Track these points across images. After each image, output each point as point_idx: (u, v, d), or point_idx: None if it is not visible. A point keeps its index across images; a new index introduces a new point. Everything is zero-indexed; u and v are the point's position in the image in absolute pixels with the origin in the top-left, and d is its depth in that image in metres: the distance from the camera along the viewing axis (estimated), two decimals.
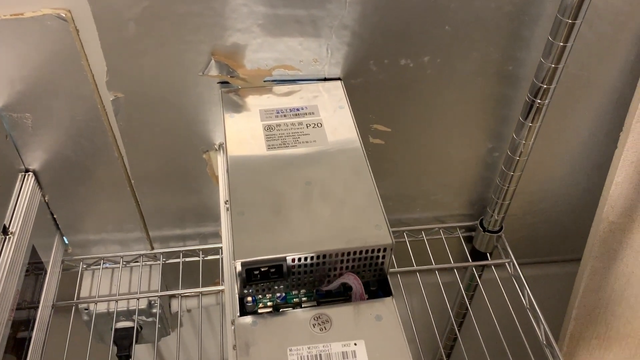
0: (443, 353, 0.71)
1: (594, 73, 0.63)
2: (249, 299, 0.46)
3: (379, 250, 0.45)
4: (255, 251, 0.43)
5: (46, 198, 0.65)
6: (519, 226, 0.80)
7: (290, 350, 0.42)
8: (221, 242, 0.74)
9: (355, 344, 0.42)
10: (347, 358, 0.41)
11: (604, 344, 0.78)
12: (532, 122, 0.61)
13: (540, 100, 0.59)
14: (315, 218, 0.46)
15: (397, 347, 0.42)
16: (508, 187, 0.68)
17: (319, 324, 0.43)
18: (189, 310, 0.83)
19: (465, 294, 0.79)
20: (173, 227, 0.71)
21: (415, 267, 0.71)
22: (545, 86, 0.58)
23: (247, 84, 0.58)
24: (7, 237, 0.56)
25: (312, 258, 0.44)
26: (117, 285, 0.70)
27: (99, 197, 0.66)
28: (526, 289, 0.69)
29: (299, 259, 0.44)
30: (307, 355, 0.41)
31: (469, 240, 0.78)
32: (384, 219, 0.46)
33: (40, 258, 0.63)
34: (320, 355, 0.41)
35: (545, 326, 0.65)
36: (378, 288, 0.47)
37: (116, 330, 0.70)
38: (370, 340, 0.42)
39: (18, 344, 0.58)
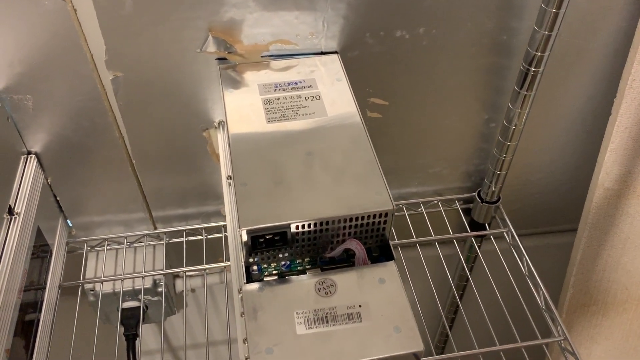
0: (446, 323, 0.72)
1: (587, 40, 0.64)
2: (255, 267, 0.47)
3: (380, 216, 0.46)
4: (260, 219, 0.44)
5: (49, 180, 0.66)
6: (516, 197, 0.81)
7: (297, 313, 0.43)
8: (223, 221, 0.75)
9: (359, 306, 0.43)
10: (353, 319, 0.42)
11: (601, 310, 0.79)
12: (527, 91, 0.62)
13: (534, 68, 0.60)
14: (317, 187, 0.47)
15: (400, 307, 0.43)
16: (505, 157, 0.69)
17: (323, 288, 0.44)
18: (193, 290, 0.84)
19: (465, 265, 0.80)
20: (175, 206, 0.72)
21: (415, 239, 0.72)
22: (539, 54, 0.59)
23: (244, 60, 0.58)
24: (13, 217, 0.57)
25: (315, 225, 0.45)
26: (121, 265, 0.71)
27: (101, 179, 0.67)
28: (525, 256, 0.70)
29: (303, 226, 0.45)
30: (314, 318, 0.42)
31: (467, 212, 0.79)
32: (385, 185, 0.47)
33: (45, 240, 0.64)
34: (326, 317, 0.43)
35: (544, 292, 0.66)
36: (380, 254, 0.48)
37: (123, 310, 0.71)
38: (374, 302, 0.43)
39: (26, 327, 0.59)
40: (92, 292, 0.71)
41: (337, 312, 0.43)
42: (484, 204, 0.75)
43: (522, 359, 0.63)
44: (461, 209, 0.78)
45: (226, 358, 0.93)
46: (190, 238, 0.74)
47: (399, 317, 0.43)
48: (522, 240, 0.72)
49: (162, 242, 0.74)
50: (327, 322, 0.42)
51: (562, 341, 0.63)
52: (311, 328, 0.42)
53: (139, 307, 0.72)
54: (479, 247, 0.79)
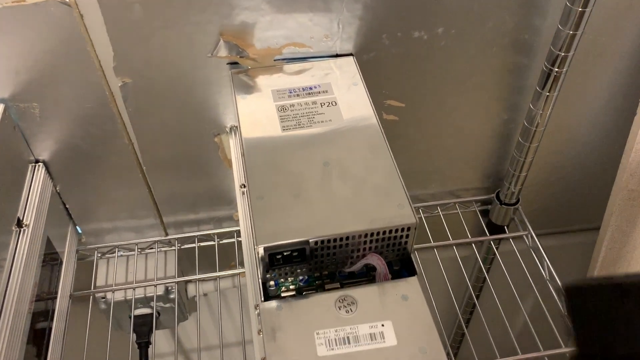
0: (462, 321, 0.71)
1: (610, 38, 0.62)
2: (272, 283, 0.46)
3: (402, 230, 0.44)
4: (278, 235, 0.42)
5: (57, 188, 0.64)
6: (536, 197, 0.79)
7: (317, 333, 0.41)
8: (235, 226, 0.73)
9: (382, 325, 0.42)
10: (376, 339, 0.41)
11: None
12: (549, 92, 0.60)
13: (557, 68, 0.58)
14: (336, 199, 0.45)
15: (425, 326, 0.41)
16: (525, 158, 0.67)
17: (344, 305, 0.43)
18: (205, 294, 0.83)
19: (483, 265, 0.79)
20: (187, 212, 0.71)
21: (432, 244, 0.70)
22: (563, 54, 0.56)
23: (257, 64, 0.57)
24: (22, 229, 0.55)
25: (335, 240, 0.43)
26: (133, 272, 0.70)
27: (110, 185, 0.66)
28: (545, 260, 0.69)
29: (322, 242, 0.43)
30: (335, 339, 0.41)
31: (485, 214, 0.77)
32: (406, 197, 0.45)
33: (55, 249, 0.63)
34: (347, 337, 0.41)
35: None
36: (401, 267, 0.47)
37: (134, 317, 0.70)
38: (397, 321, 0.42)
39: (38, 335, 0.58)
40: (104, 299, 0.70)
41: (359, 331, 0.41)
42: (503, 206, 0.73)
43: None
44: (479, 210, 0.76)
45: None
46: (202, 244, 0.73)
47: (424, 336, 0.41)
48: (541, 240, 0.70)
49: (173, 248, 0.72)
50: (349, 342, 0.41)
51: None
52: (332, 349, 0.41)
53: (151, 314, 0.71)
54: (496, 248, 0.78)
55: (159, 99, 0.58)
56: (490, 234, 0.75)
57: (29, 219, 0.57)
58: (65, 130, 0.59)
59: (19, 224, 0.55)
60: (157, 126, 0.60)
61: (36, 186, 0.60)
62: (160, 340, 0.89)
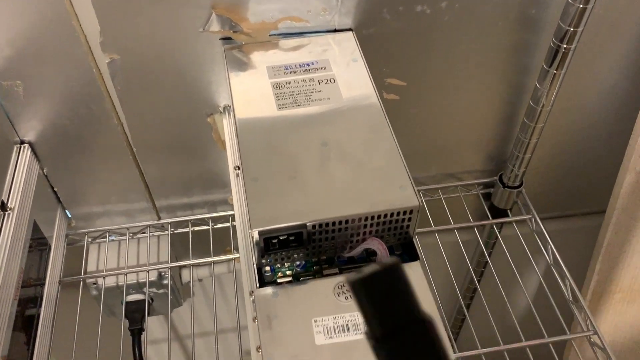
0: (463, 305, 0.69)
1: (622, 14, 0.59)
2: (267, 268, 0.43)
3: (404, 213, 0.42)
4: (273, 219, 0.40)
5: (45, 170, 0.62)
6: (540, 179, 0.76)
7: (315, 321, 0.39)
8: (230, 210, 0.71)
9: None
10: None
11: (627, 297, 0.76)
12: (557, 69, 0.57)
13: (566, 45, 0.55)
14: (335, 181, 0.43)
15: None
16: (530, 139, 0.64)
17: (343, 292, 0.41)
18: (200, 280, 0.81)
19: (485, 249, 0.77)
20: (180, 195, 0.68)
21: (433, 228, 0.68)
22: (572, 29, 0.54)
23: (251, 39, 0.54)
24: (6, 213, 0.53)
25: (333, 224, 0.41)
26: (125, 257, 0.68)
27: (100, 167, 0.63)
28: (550, 244, 0.67)
29: (320, 226, 0.41)
30: (334, 326, 0.39)
31: (487, 197, 0.75)
32: (409, 178, 0.43)
33: (43, 233, 0.61)
34: (347, 325, 0.39)
35: (572, 282, 0.63)
36: (403, 252, 0.45)
37: (127, 303, 0.68)
38: None
39: (27, 322, 0.56)
40: (95, 285, 0.68)
41: (359, 319, 0.39)
42: (506, 189, 0.71)
43: (543, 347, 0.60)
44: (481, 193, 0.74)
45: (235, 346, 0.91)
46: (196, 228, 0.70)
47: None
48: (544, 224, 0.68)
49: (166, 232, 0.70)
50: (349, 330, 0.39)
51: (591, 336, 0.59)
52: (331, 337, 0.39)
53: (144, 300, 0.69)
54: (499, 232, 0.76)
55: (149, 76, 0.55)
56: (493, 217, 0.73)
57: (13, 202, 0.54)
58: (51, 110, 0.56)
59: (3, 207, 0.53)
60: (148, 106, 0.58)
61: (21, 168, 0.58)
62: (154, 326, 0.88)
